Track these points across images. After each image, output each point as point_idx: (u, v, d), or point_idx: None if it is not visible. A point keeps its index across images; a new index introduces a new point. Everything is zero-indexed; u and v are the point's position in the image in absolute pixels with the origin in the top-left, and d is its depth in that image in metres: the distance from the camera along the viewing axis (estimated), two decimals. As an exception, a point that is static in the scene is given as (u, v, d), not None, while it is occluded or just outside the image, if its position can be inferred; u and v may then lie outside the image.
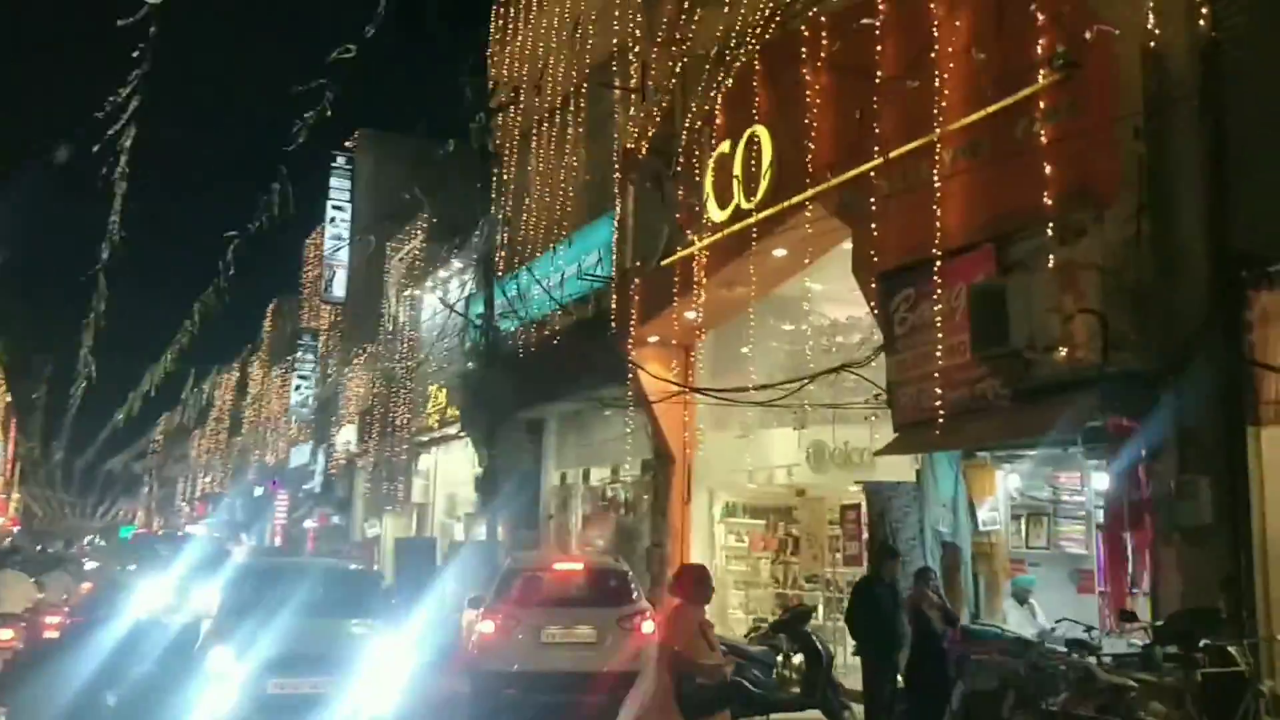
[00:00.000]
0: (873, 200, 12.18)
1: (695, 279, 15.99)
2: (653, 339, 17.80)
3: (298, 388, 43.35)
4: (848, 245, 13.59)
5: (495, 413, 22.33)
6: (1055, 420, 10.07)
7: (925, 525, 11.91)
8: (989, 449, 11.79)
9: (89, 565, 24.52)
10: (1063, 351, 9.90)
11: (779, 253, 14.66)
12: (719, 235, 15.24)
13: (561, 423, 23.31)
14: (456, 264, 27.42)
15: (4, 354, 66.23)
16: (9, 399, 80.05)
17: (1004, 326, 10.16)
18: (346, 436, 37.61)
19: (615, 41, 20.05)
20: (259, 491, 54.79)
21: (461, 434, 26.56)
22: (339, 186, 39.35)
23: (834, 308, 17.57)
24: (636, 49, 19.33)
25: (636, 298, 17.80)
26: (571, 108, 21.62)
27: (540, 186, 22.12)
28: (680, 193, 16.57)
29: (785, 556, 16.80)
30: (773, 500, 17.79)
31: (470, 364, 23.18)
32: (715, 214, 15.41)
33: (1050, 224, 10.12)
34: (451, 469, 28.93)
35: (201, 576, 18.19)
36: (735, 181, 14.79)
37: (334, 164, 39.37)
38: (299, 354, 43.65)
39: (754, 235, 14.35)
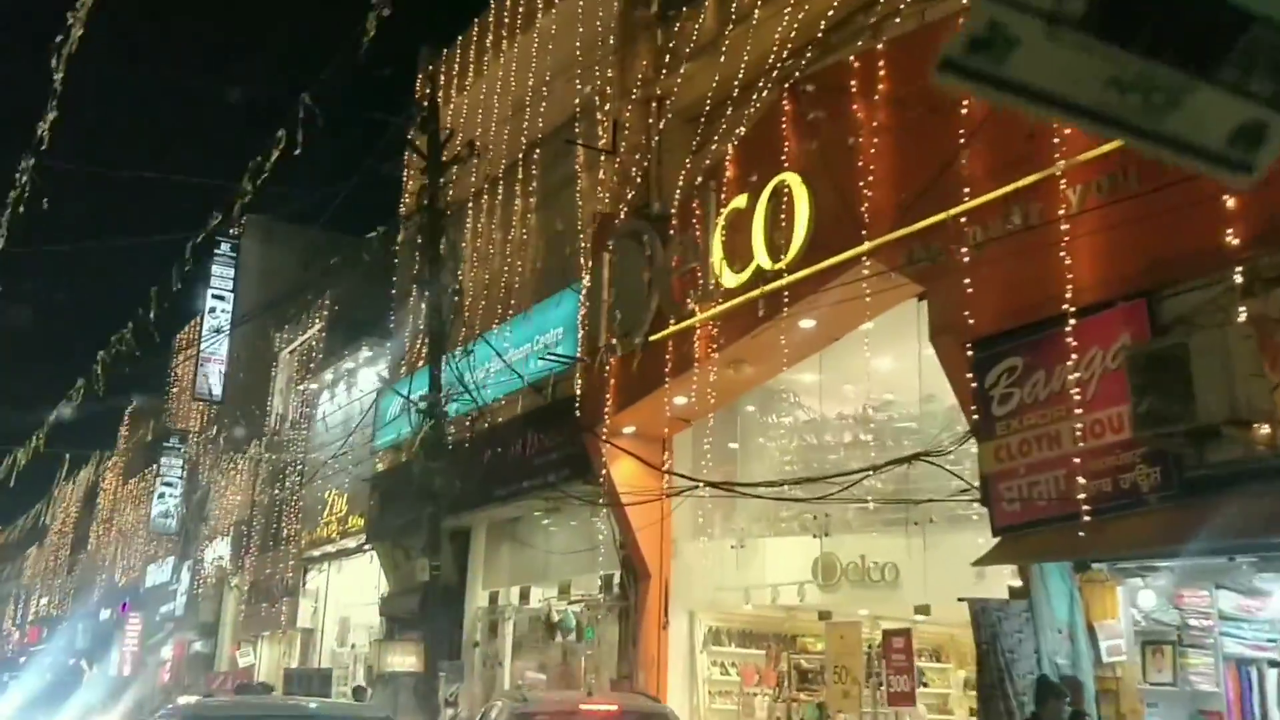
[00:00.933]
0: (963, 250, 9.92)
1: (695, 357, 13.49)
2: (628, 429, 15.13)
3: (161, 495, 38.81)
4: (902, 309, 11.39)
5: (419, 518, 19.26)
6: (1248, 519, 7.83)
7: (1042, 654, 9.40)
8: (1120, 559, 9.43)
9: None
10: (1264, 429, 7.72)
11: (806, 324, 12.31)
12: (733, 303, 12.80)
13: (492, 533, 20.28)
14: (366, 352, 24.37)
15: None
16: None
17: (1187, 397, 7.90)
18: (218, 551, 33.42)
19: (577, 101, 17.84)
20: (106, 615, 49.15)
21: (365, 546, 23.19)
22: (221, 274, 35.80)
23: (823, 403, 15.41)
24: (606, 106, 17.12)
25: (612, 380, 15.17)
26: (519, 173, 19.22)
27: (487, 257, 19.50)
28: (674, 259, 14.15)
29: (792, 693, 14.03)
30: (771, 625, 15.11)
31: (405, 456, 20.06)
32: (726, 279, 13.01)
33: (1239, 269, 8.02)
34: (347, 589, 25.35)
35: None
36: (757, 240, 12.44)
37: (217, 251, 35.86)
38: (163, 459, 39.22)
39: (785, 300, 11.94)
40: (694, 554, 15.34)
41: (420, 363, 21.11)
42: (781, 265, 12.01)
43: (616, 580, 16.14)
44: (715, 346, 13.18)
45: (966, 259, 9.87)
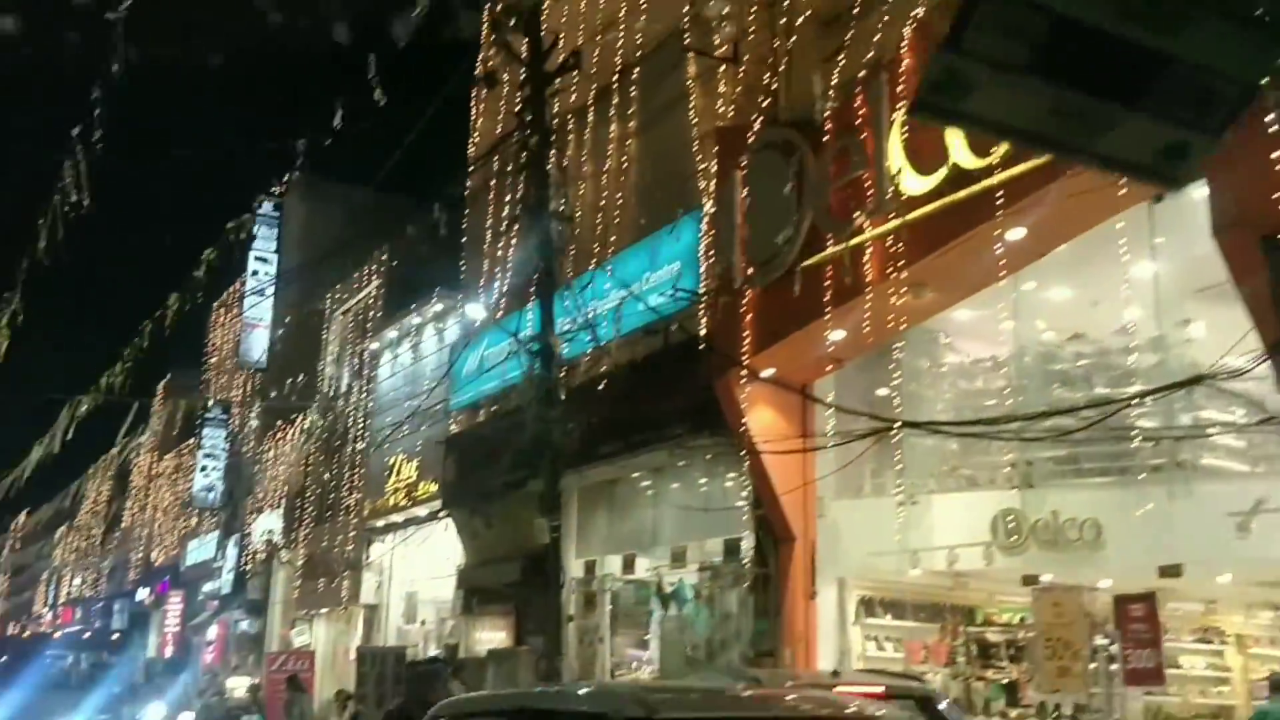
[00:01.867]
0: (1270, 120, 7.92)
1: (864, 282, 11.53)
2: (766, 372, 13.17)
3: (203, 469, 37.07)
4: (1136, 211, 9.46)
5: (506, 482, 17.45)
6: None
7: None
8: None
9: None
10: None
11: (1014, 235, 10.33)
12: (920, 213, 10.83)
13: (587, 497, 18.38)
14: (436, 306, 22.50)
15: None
16: None
17: None
18: (267, 525, 31.69)
19: (687, 8, 15.85)
20: (144, 594, 47.67)
21: (440, 514, 21.37)
22: (264, 236, 33.90)
23: (986, 340, 13.53)
24: (725, 11, 15.12)
25: (748, 316, 13.23)
26: (620, 92, 17.25)
27: (586, 187, 17.55)
28: (832, 169, 12.17)
29: (973, 671, 12.11)
30: (935, 594, 13.23)
31: (483, 416, 18.27)
32: (909, 185, 11.03)
33: None
34: (414, 561, 23.54)
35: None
36: (954, 133, 10.44)
37: (259, 211, 33.98)
38: (205, 431, 37.45)
39: (999, 201, 9.96)
40: (844, 514, 13.44)
41: (500, 315, 19.29)
42: (990, 161, 10.02)
43: (746, 545, 14.26)
44: (892, 268, 11.22)
45: (1274, 128, 7.88)
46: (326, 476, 27.45)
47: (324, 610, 27.99)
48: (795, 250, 12.44)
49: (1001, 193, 9.93)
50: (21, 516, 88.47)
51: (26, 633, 74.92)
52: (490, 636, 19.16)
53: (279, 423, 32.29)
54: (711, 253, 14.16)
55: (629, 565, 17.29)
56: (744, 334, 13.19)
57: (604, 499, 18.06)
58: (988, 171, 10.08)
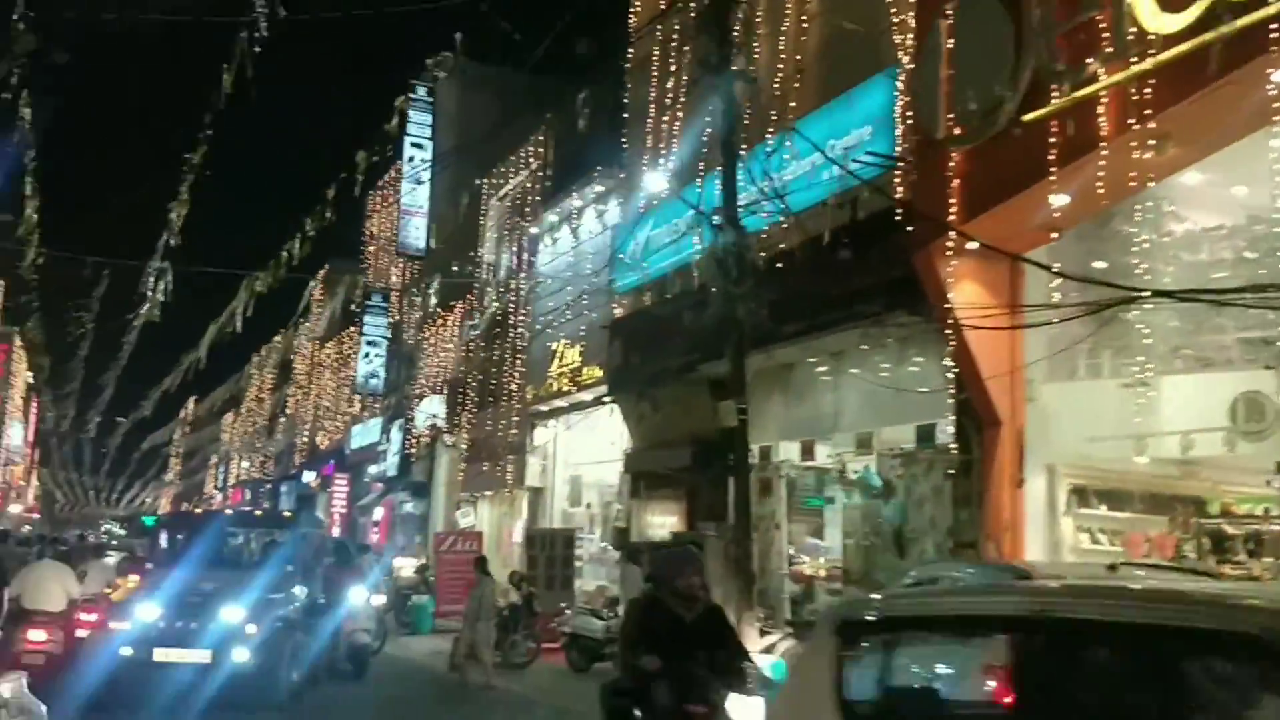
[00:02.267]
0: None
1: (1097, 136, 10.29)
2: (972, 244, 12.07)
3: (366, 355, 37.73)
4: None
5: (668, 366, 16.87)
6: None
7: None
8: None
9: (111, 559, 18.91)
10: None
11: (1281, 77, 8.96)
12: (1171, 54, 9.51)
13: (762, 380, 17.60)
14: (597, 187, 21.81)
15: (32, 331, 61.25)
16: (30, 378, 75.06)
17: None
18: (430, 410, 32.05)
19: None
20: (309, 477, 49.39)
21: (605, 399, 21.00)
22: (418, 121, 33.69)
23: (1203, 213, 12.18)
24: None
25: (955, 181, 12.11)
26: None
27: (769, 45, 16.45)
28: (1056, 11, 10.85)
29: (1206, 563, 11.06)
30: (1155, 484, 12.17)
31: (649, 300, 17.67)
32: (1156, 24, 9.69)
33: None
34: (579, 445, 23.36)
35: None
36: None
37: (412, 95, 33.68)
38: (366, 318, 37.99)
39: (1274, 33, 8.61)
40: (1056, 398, 12.40)
41: (667, 194, 18.48)
42: (1262, -10, 8.64)
43: (942, 431, 13.36)
44: (1134, 120, 9.95)
45: None
46: (488, 362, 27.39)
47: (488, 493, 28.24)
48: (1013, 105, 11.22)
49: (1275, 26, 8.57)
50: (190, 403, 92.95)
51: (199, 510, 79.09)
52: (660, 521, 18.82)
53: (439, 310, 32.39)
54: (910, 113, 13.01)
55: (808, 452, 16.59)
56: (949, 201, 12.09)
57: (779, 383, 17.30)
58: (1257, 2, 8.72)
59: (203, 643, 11.59)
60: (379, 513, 36.74)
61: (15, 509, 68.73)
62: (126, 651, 11.58)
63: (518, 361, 25.69)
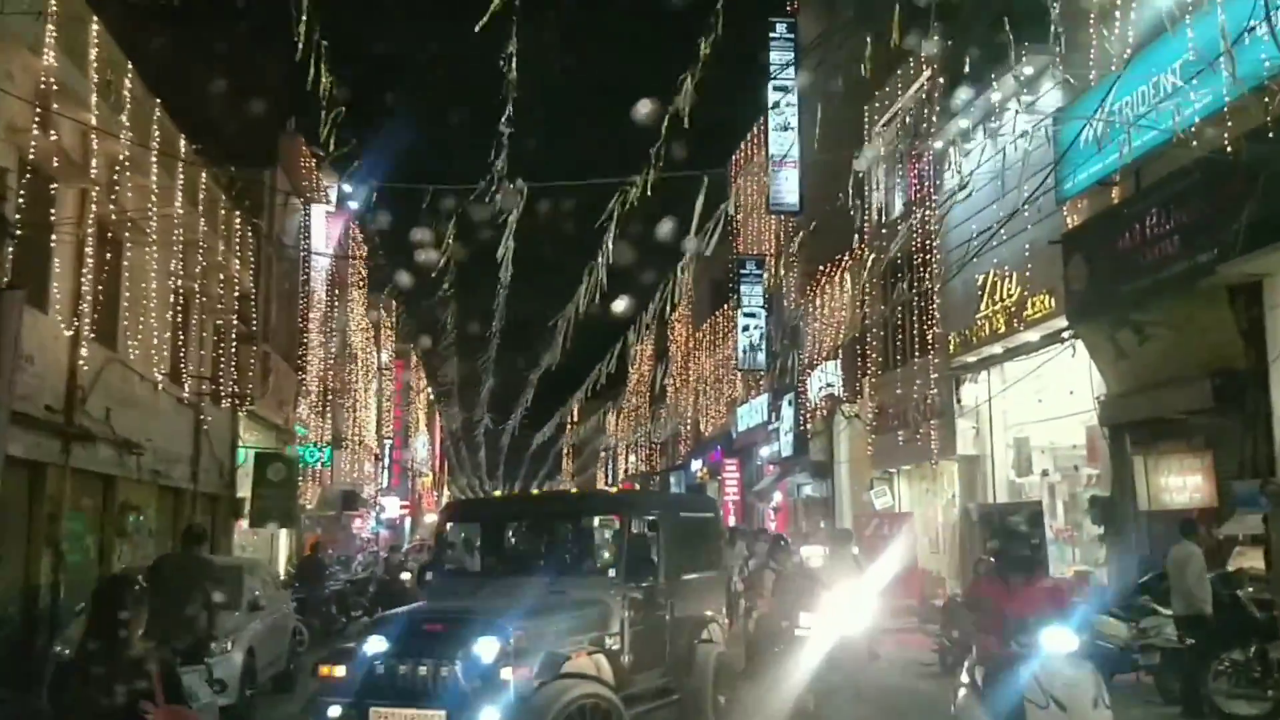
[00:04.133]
0: None
1: None
2: None
3: (745, 329, 34.86)
4: None
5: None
6: None
7: None
8: None
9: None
10: None
11: None
12: None
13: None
14: (1026, 70, 17.40)
15: (420, 354, 63.93)
16: (431, 395, 79.01)
17: None
18: (824, 379, 28.60)
19: None
20: (697, 466, 47.47)
21: (1064, 335, 16.62)
22: (781, 61, 30.33)
23: None
24: None
25: None
26: None
27: None
28: None
29: None
30: None
31: (1117, 196, 13.07)
32: None
33: None
34: (1022, 401, 19.01)
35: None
36: None
37: (772, 35, 30.39)
38: (742, 288, 35.11)
39: None
40: None
41: (1124, 61, 13.91)
42: None
43: None
44: None
45: None
46: (892, 315, 23.50)
47: (905, 467, 24.38)
48: None
49: None
50: (575, 402, 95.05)
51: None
52: (1178, 483, 14.22)
53: (822, 267, 28.85)
54: None
55: None
56: None
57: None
58: None
59: (436, 697, 7.31)
60: (777, 498, 33.70)
61: (430, 518, 72.31)
62: (334, 713, 7.43)
63: (931, 308, 21.63)
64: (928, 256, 21.82)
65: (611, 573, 9.16)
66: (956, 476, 21.46)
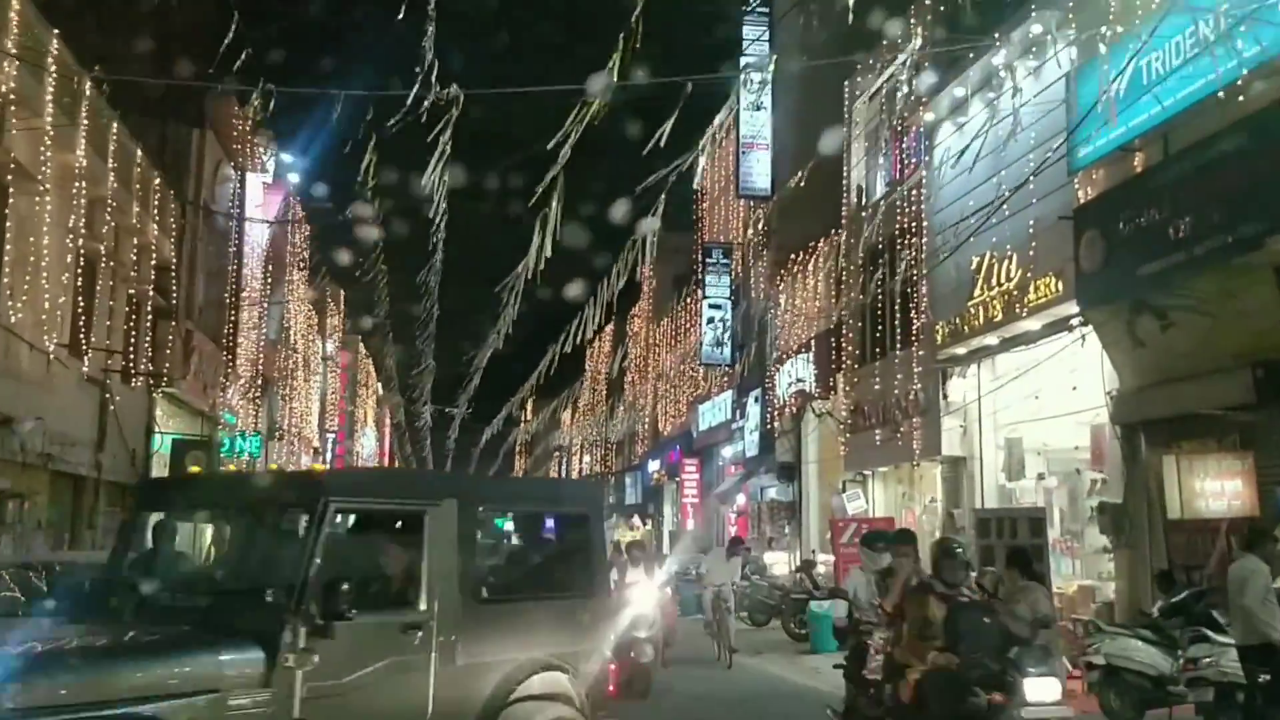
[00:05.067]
0: None
1: None
2: None
3: (710, 320, 33.04)
4: None
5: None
6: None
7: None
8: None
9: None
10: None
11: None
12: None
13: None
14: (1034, 28, 15.70)
15: (375, 339, 61.59)
16: (380, 390, 76.59)
17: None
18: (794, 374, 26.84)
19: None
20: (654, 467, 45.65)
21: (1073, 321, 14.92)
22: (753, 37, 28.60)
23: None
24: None
25: None
26: None
27: None
28: None
29: None
30: None
31: (1139, 165, 11.36)
32: None
33: None
34: (1013, 398, 17.30)
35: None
36: None
37: (745, 8, 28.64)
38: (708, 279, 33.30)
39: None
40: None
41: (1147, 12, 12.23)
42: None
43: None
44: None
45: None
46: (872, 304, 21.76)
47: (881, 469, 22.66)
48: None
49: None
50: (528, 404, 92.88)
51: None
52: (1208, 489, 12.50)
53: (794, 255, 27.10)
54: None
55: None
56: None
57: None
58: None
59: None
60: (739, 501, 31.92)
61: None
62: None
63: (917, 295, 19.90)
64: (913, 239, 20.09)
65: (270, 596, 5.77)
66: (940, 479, 19.74)
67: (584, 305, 22.36)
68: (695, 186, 38.17)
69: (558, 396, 68.48)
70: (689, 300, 38.96)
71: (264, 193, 30.87)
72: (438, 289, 24.33)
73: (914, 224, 20.11)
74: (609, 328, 52.98)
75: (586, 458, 67.91)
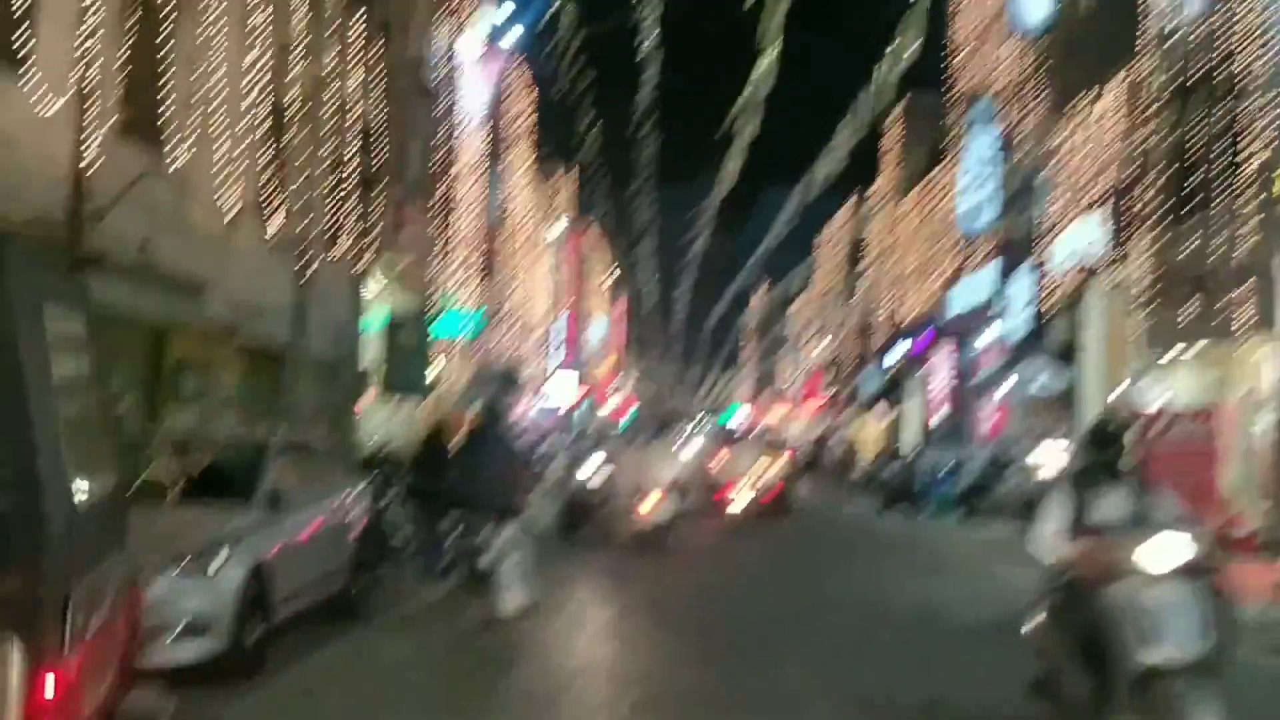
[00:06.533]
0: None
1: None
2: None
3: (969, 186, 29.16)
4: None
5: None
6: None
7: None
8: None
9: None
10: None
11: None
12: None
13: None
14: None
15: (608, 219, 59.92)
16: (616, 273, 75.27)
17: None
18: (1077, 241, 22.93)
19: None
20: (896, 355, 42.15)
21: None
22: None
23: None
24: None
25: None
26: None
27: None
28: None
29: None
30: None
31: None
32: None
33: None
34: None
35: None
36: None
37: None
38: (969, 134, 29.28)
39: None
40: None
41: None
42: None
43: None
44: None
45: None
46: (1181, 148, 17.76)
47: (1188, 352, 18.80)
48: None
49: None
50: (761, 289, 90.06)
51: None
52: None
53: (1078, 97, 22.96)
54: None
55: None
56: None
57: None
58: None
59: None
60: (1002, 392, 28.32)
61: (616, 400, 69.30)
62: None
63: (1249, 127, 15.85)
64: (1237, 66, 15.94)
65: None
66: (1272, 362, 15.90)
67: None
68: (943, 42, 33.87)
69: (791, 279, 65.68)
70: (942, 166, 35.03)
71: (484, 53, 28.86)
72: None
73: (1240, 45, 15.95)
74: (849, 203, 49.35)
75: (820, 344, 64.70)
